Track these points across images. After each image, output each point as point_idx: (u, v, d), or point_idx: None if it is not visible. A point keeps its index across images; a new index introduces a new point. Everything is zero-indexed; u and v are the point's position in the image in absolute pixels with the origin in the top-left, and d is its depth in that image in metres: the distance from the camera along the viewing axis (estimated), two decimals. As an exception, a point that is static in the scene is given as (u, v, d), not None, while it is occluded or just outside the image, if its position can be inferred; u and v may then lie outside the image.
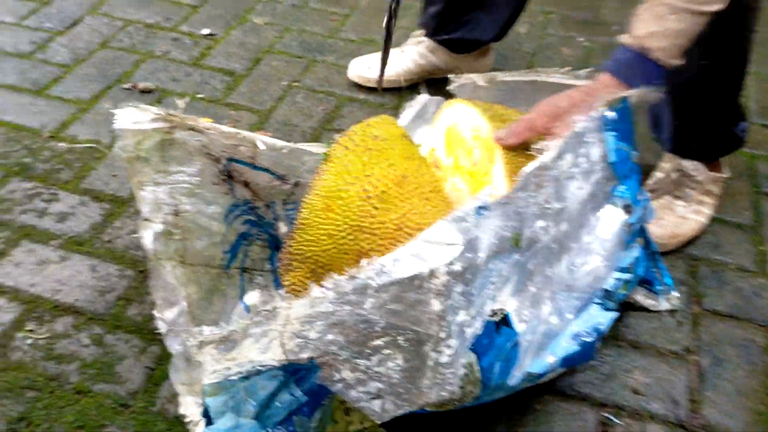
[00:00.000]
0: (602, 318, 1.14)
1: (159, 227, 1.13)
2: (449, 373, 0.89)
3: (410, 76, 1.81)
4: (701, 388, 1.19)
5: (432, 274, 0.84)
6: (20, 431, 1.06)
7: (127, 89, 1.80)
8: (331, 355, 0.84)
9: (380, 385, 0.87)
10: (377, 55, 1.83)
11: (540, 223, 1.02)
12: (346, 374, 0.86)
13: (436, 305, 0.85)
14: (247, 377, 0.86)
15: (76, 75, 1.83)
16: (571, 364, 1.11)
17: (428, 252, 0.85)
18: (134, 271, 1.33)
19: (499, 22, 1.76)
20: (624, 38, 1.11)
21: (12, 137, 1.62)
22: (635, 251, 1.23)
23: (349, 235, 1.00)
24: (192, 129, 1.21)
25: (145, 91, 1.80)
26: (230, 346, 0.85)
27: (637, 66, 1.10)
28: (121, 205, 1.46)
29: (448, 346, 0.89)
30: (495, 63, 1.97)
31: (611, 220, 1.17)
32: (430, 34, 1.80)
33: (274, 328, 0.84)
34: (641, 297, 1.31)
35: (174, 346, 1.05)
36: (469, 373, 0.93)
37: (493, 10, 1.74)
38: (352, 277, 0.82)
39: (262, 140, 1.25)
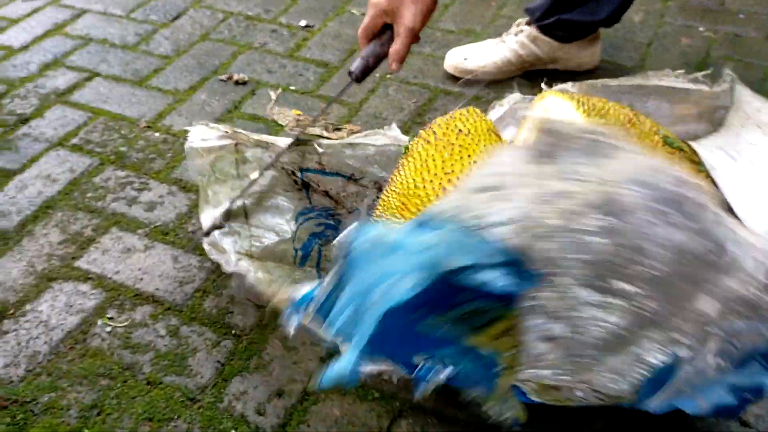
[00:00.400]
0: (766, 380, 0.94)
1: (225, 229, 1.14)
2: (637, 373, 0.81)
3: (509, 67, 1.72)
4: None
5: (733, 268, 0.75)
6: (91, 419, 1.07)
7: (222, 80, 1.81)
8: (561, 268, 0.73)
9: (565, 330, 0.77)
10: (476, 45, 1.75)
11: None
12: (549, 299, 0.75)
13: (708, 306, 0.76)
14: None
15: (175, 66, 1.86)
16: (720, 414, 0.96)
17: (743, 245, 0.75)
18: (213, 262, 1.31)
19: (615, 3, 1.63)
20: None
21: (111, 126, 1.66)
22: None
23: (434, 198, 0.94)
24: (258, 146, 1.25)
25: (240, 83, 1.80)
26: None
27: None
28: (207, 196, 1.46)
29: (664, 352, 0.80)
30: (605, 54, 1.84)
31: None
32: (536, 20, 1.69)
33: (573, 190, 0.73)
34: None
35: None
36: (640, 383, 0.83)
37: None
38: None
39: (320, 144, 1.25)
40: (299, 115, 1.70)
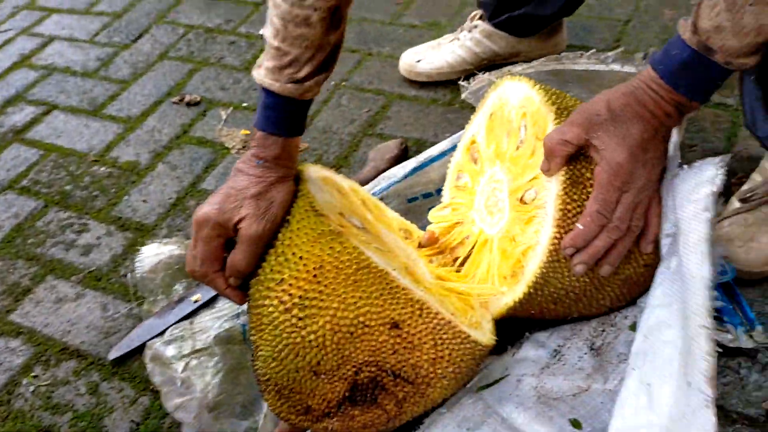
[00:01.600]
0: None
1: (167, 337, 1.12)
2: None
3: (464, 66, 1.59)
4: (781, 471, 0.92)
5: None
6: (-1, 492, 1.05)
7: (175, 103, 1.75)
8: None
9: None
10: (430, 45, 1.64)
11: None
12: None
13: None
14: None
15: (131, 91, 1.82)
16: None
17: None
18: (142, 308, 1.27)
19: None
20: (682, 28, 0.81)
21: (60, 163, 1.63)
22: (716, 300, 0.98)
23: (289, 355, 0.84)
24: None
25: (192, 104, 1.74)
26: None
27: (694, 69, 0.81)
28: (144, 234, 1.41)
29: None
30: (574, 38, 1.69)
31: None
32: (488, 17, 1.56)
33: None
34: (719, 335, 1.03)
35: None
36: None
37: None
38: None
39: None
40: (247, 135, 1.63)
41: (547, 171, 0.88)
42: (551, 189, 0.88)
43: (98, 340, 1.23)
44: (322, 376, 0.84)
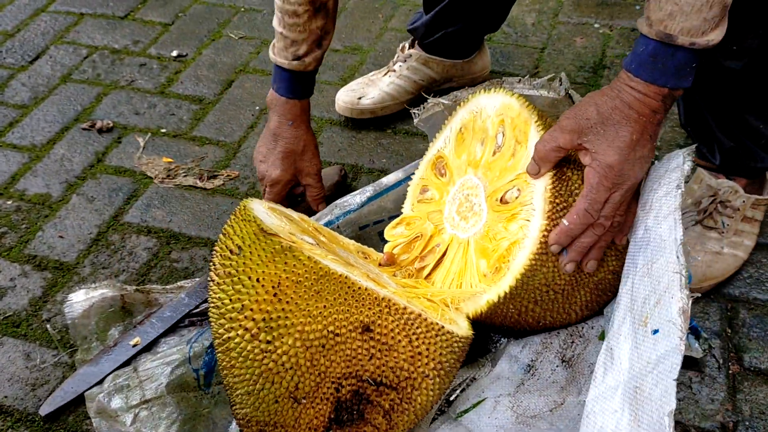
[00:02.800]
0: None
1: (110, 387, 1.03)
2: None
3: (405, 96, 1.59)
4: (741, 480, 0.96)
5: None
6: None
7: (85, 129, 1.63)
8: None
9: None
10: (363, 81, 1.63)
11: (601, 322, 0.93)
12: None
13: None
14: None
15: (33, 117, 1.68)
16: None
17: None
18: (71, 356, 1.16)
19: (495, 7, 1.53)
20: (640, 25, 0.85)
21: (-43, 197, 1.47)
22: None
23: (264, 384, 0.81)
24: (147, 299, 1.18)
25: (105, 130, 1.63)
26: None
27: (663, 58, 0.84)
28: (65, 273, 1.30)
29: None
30: (495, 65, 1.73)
31: None
32: (420, 39, 1.57)
33: None
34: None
35: None
36: None
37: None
38: None
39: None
40: (170, 162, 1.55)
41: (536, 174, 0.91)
42: (538, 185, 0.90)
43: (24, 394, 1.12)
44: (303, 401, 0.81)
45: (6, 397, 1.11)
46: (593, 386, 0.83)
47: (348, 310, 0.81)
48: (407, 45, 1.61)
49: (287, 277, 0.81)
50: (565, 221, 0.88)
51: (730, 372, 1.08)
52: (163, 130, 1.63)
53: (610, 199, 0.87)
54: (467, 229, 0.98)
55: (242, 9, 2.01)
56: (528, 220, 0.90)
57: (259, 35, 1.92)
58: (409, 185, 1.12)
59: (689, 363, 1.09)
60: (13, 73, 1.82)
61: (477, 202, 0.98)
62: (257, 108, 1.67)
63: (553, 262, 0.89)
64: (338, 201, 1.17)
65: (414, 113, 1.16)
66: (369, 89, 1.59)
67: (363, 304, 0.82)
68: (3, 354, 1.17)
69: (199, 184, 1.48)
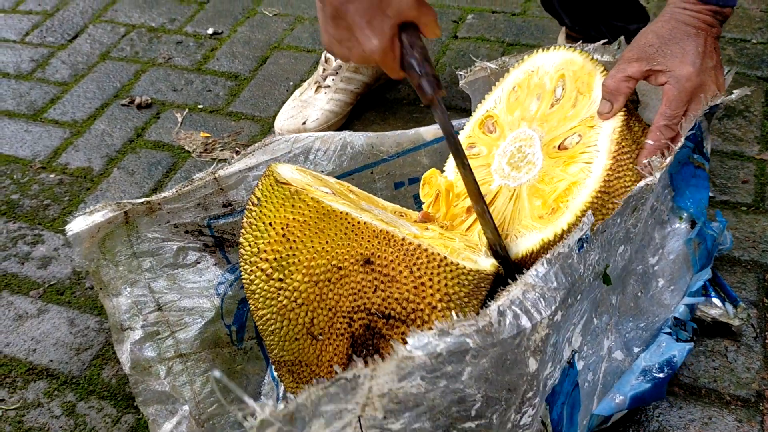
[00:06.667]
0: (675, 350, 0.98)
1: (140, 333, 1.01)
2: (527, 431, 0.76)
3: (346, 108, 1.56)
4: (777, 448, 0.96)
5: (534, 328, 0.70)
6: None
7: (124, 105, 1.67)
8: None
9: None
10: (298, 103, 1.57)
11: (620, 249, 0.88)
12: None
13: (532, 365, 0.72)
14: None
15: (73, 93, 1.72)
16: (641, 403, 0.96)
17: (530, 301, 0.71)
18: (114, 322, 1.20)
19: None
20: None
21: (2, 171, 1.52)
22: (707, 273, 1.04)
23: (283, 323, 0.84)
24: (150, 208, 1.06)
25: (143, 106, 1.66)
26: (299, 427, 0.68)
27: None
28: (107, 244, 1.34)
29: (532, 406, 0.75)
30: (510, 36, 1.72)
31: (676, 236, 1.00)
32: None
33: (351, 409, 0.66)
34: (709, 308, 1.07)
35: None
36: (542, 429, 0.80)
37: None
38: (443, 333, 0.65)
39: (217, 176, 1.10)
40: (208, 137, 1.58)
41: (609, 112, 0.92)
42: (605, 126, 0.92)
43: (69, 358, 1.15)
44: (320, 338, 0.84)
45: (51, 360, 1.15)
46: None
47: (349, 244, 0.84)
48: (330, 54, 1.56)
49: (294, 218, 0.85)
50: (649, 141, 0.90)
51: (767, 341, 1.07)
52: (200, 106, 1.65)
53: (690, 109, 0.90)
54: (518, 178, 0.98)
55: (276, -14, 2.03)
56: (590, 163, 0.91)
57: (292, 12, 1.93)
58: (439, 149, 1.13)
59: (726, 332, 1.08)
60: (54, 52, 1.87)
61: (531, 152, 0.98)
62: (291, 83, 1.69)
63: (612, 202, 0.90)
64: (375, 141, 1.15)
65: (460, 75, 1.17)
66: (308, 111, 1.53)
67: (363, 238, 0.85)
68: (48, 320, 1.21)
69: (236, 157, 1.50)
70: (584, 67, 0.99)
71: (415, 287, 0.83)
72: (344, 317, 0.83)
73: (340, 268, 0.83)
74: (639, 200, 0.85)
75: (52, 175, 1.50)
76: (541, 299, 0.72)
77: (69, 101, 1.70)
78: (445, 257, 0.83)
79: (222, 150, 1.53)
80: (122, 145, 1.56)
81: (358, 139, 1.14)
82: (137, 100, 1.67)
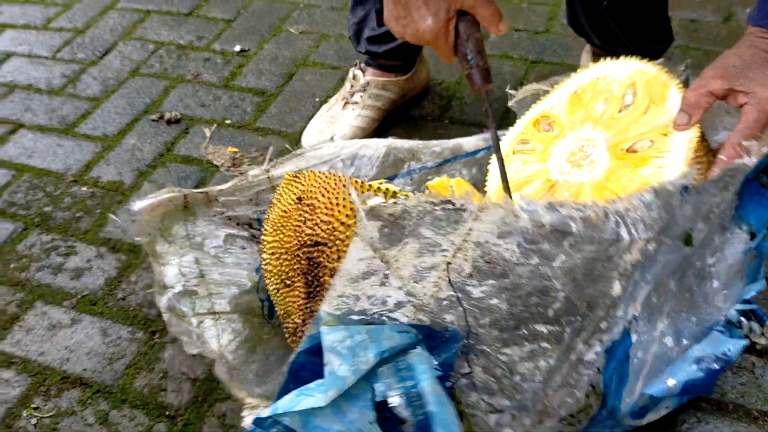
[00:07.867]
0: (730, 345, 0.98)
1: (180, 289, 1.07)
2: (585, 374, 0.76)
3: (372, 124, 1.57)
4: (807, 464, 0.96)
5: (629, 246, 0.71)
6: None
7: (154, 120, 1.70)
8: (474, 335, 0.70)
9: (506, 402, 0.74)
10: (327, 119, 1.59)
11: (699, 225, 0.88)
12: (477, 372, 0.73)
13: (616, 288, 0.73)
14: (371, 322, 0.72)
15: (104, 109, 1.76)
16: (692, 391, 0.95)
17: (631, 219, 0.71)
18: (145, 332, 1.22)
19: None
20: None
21: (35, 184, 1.55)
22: (761, 285, 1.04)
23: (271, 279, 0.98)
24: (207, 198, 1.17)
25: (173, 121, 1.69)
26: (397, 232, 0.68)
27: None
28: (138, 255, 1.36)
29: (601, 342, 0.76)
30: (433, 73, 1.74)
31: (735, 244, 1.01)
32: (372, 55, 1.55)
33: (445, 248, 0.68)
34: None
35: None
36: (595, 382, 0.80)
37: None
38: (551, 207, 0.67)
39: (270, 175, 1.22)
40: (235, 152, 1.60)
41: (686, 124, 0.94)
42: (682, 135, 0.94)
43: (102, 367, 1.18)
44: (287, 282, 0.93)
45: (85, 369, 1.18)
46: None
47: (291, 191, 0.96)
48: (357, 71, 1.59)
49: (277, 200, 1.00)
50: (722, 156, 0.91)
51: (795, 358, 1.08)
52: (228, 122, 1.68)
53: (764, 133, 0.92)
54: (580, 175, 1.00)
55: (302, 5, 2.07)
56: (662, 168, 0.93)
57: (318, 30, 1.96)
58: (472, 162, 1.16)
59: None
60: (85, 68, 1.91)
61: (594, 152, 1.01)
62: (317, 99, 1.72)
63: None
64: (417, 148, 1.18)
65: (510, 95, 1.20)
66: (336, 127, 1.54)
67: (301, 183, 0.96)
68: (81, 330, 1.24)
69: (286, 157, 1.52)
70: (658, 78, 1.02)
71: (327, 209, 0.90)
72: (295, 256, 0.92)
73: (285, 211, 0.94)
74: (732, 178, 0.87)
75: (84, 188, 1.53)
76: (641, 222, 0.72)
77: (100, 116, 1.73)
78: (350, 177, 0.91)
79: (249, 164, 1.55)
80: (152, 159, 1.59)
81: (402, 145, 1.18)
82: (166, 116, 1.70)
